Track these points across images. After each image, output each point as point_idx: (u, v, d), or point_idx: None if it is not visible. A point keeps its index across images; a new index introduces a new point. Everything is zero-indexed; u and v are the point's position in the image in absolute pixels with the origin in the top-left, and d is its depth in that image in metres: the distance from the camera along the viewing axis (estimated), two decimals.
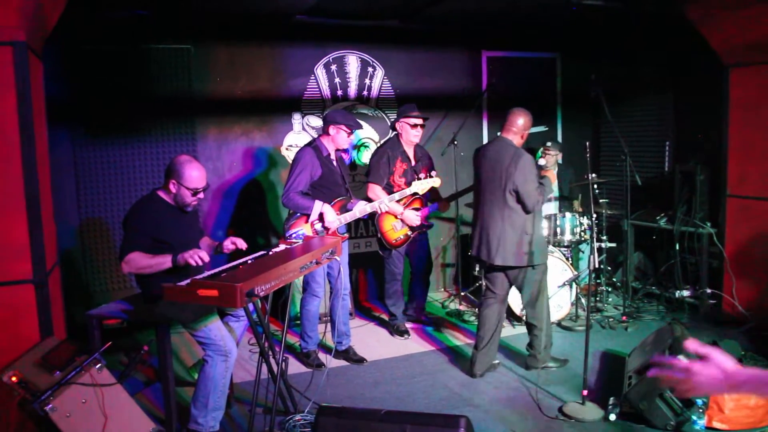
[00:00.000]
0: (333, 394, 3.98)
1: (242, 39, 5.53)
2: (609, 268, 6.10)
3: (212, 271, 3.06)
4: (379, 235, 5.01)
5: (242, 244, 3.49)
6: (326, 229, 4.34)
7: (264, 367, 3.37)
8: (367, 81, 6.09)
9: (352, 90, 6.04)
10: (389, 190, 4.86)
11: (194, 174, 3.30)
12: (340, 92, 5.99)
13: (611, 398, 3.65)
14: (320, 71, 5.88)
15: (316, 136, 5.10)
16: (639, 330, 5.07)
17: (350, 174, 6.01)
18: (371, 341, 5.07)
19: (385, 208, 4.69)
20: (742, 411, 3.35)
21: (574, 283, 5.15)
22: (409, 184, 4.78)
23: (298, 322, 4.58)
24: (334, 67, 5.93)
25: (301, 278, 4.51)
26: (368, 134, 6.15)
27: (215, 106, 5.48)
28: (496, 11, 5.59)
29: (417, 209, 5.00)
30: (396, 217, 4.93)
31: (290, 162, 4.85)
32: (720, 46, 4.94)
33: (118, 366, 4.00)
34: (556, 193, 5.88)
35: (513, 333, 5.10)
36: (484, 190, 4.14)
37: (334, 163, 4.48)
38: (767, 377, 1.38)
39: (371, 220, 5.09)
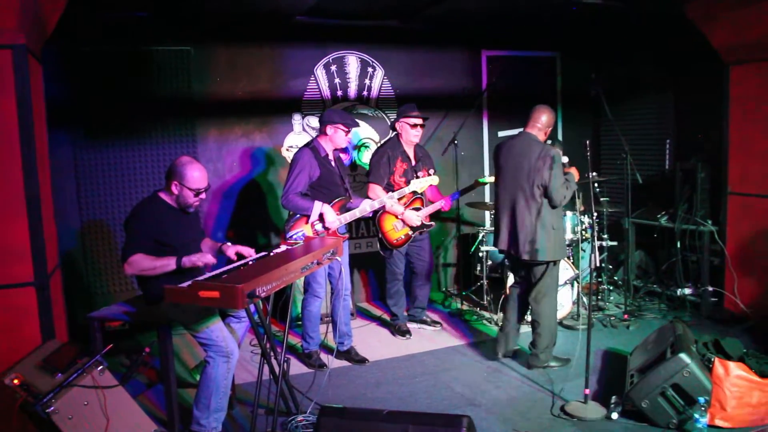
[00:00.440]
0: (335, 394, 3.98)
1: (242, 40, 5.53)
2: (610, 266, 6.10)
3: (213, 273, 3.06)
4: (380, 235, 5.02)
5: (249, 254, 3.46)
6: (326, 229, 4.34)
7: (266, 368, 3.37)
8: (367, 81, 6.09)
9: (352, 90, 6.04)
10: (390, 190, 4.86)
11: (196, 174, 3.30)
12: (340, 93, 5.99)
13: (613, 397, 3.65)
14: (320, 72, 5.88)
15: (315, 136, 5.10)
16: (641, 328, 5.06)
17: (351, 174, 6.01)
18: (373, 341, 5.06)
19: (391, 203, 4.68)
20: (745, 409, 3.35)
21: (575, 282, 5.15)
22: (409, 183, 4.78)
23: (300, 322, 4.58)
24: (334, 68, 5.93)
25: (302, 279, 4.51)
26: (368, 135, 6.15)
27: (215, 108, 5.48)
28: (496, 11, 5.59)
29: (417, 209, 5.00)
30: (397, 217, 4.94)
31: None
32: (720, 44, 4.94)
33: (119, 368, 4.00)
34: None
35: None
36: (509, 184, 4.19)
37: (333, 163, 4.48)
38: None
39: (372, 220, 5.09)
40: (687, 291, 5.43)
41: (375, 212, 4.89)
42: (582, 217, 5.50)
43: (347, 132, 4.43)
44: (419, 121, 4.91)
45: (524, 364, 4.39)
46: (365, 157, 6.02)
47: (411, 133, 4.93)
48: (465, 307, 5.79)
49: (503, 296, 5.16)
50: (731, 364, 3.40)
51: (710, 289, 5.29)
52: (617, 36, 6.42)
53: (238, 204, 5.64)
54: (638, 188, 5.55)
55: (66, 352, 3.19)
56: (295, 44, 5.75)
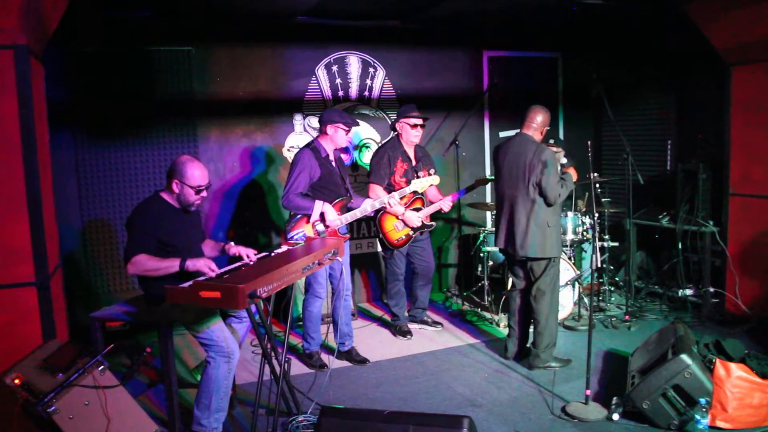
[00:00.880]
0: (336, 394, 3.98)
1: (243, 40, 5.53)
2: (611, 267, 6.10)
3: (216, 273, 3.06)
4: (380, 236, 5.02)
5: (251, 258, 3.46)
6: (326, 227, 4.33)
7: (266, 368, 3.37)
8: (369, 81, 6.09)
9: (354, 91, 6.04)
10: (390, 190, 4.86)
11: (196, 172, 3.31)
12: (341, 93, 5.99)
13: (614, 398, 3.65)
14: (321, 72, 5.88)
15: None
16: (642, 329, 5.06)
17: (352, 174, 6.01)
18: (374, 342, 5.06)
19: (392, 204, 4.68)
20: (746, 410, 3.35)
21: (576, 283, 5.15)
22: (410, 183, 4.78)
23: (301, 323, 4.58)
24: (335, 68, 5.93)
25: (303, 279, 4.51)
26: (370, 135, 6.15)
27: (216, 108, 5.48)
28: (497, 11, 5.59)
29: (418, 209, 5.00)
30: (397, 218, 4.94)
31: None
32: (721, 45, 4.94)
33: (120, 368, 4.00)
34: None
35: None
36: (506, 184, 4.29)
37: (333, 163, 4.48)
38: None
39: (373, 220, 5.09)
40: (688, 292, 5.43)
41: (376, 212, 4.89)
42: (583, 217, 5.50)
43: (347, 131, 4.42)
44: (419, 121, 4.91)
45: (525, 364, 4.39)
46: (366, 158, 6.02)
47: (411, 133, 4.93)
48: (466, 308, 5.79)
49: (504, 297, 5.16)
50: (732, 365, 3.40)
51: (711, 290, 5.29)
52: (618, 36, 6.42)
53: (239, 204, 5.65)
54: (639, 189, 5.54)
55: (67, 352, 3.19)
56: (297, 44, 5.75)
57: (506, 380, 4.21)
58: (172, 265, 3.17)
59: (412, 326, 5.30)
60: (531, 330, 4.48)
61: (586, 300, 5.43)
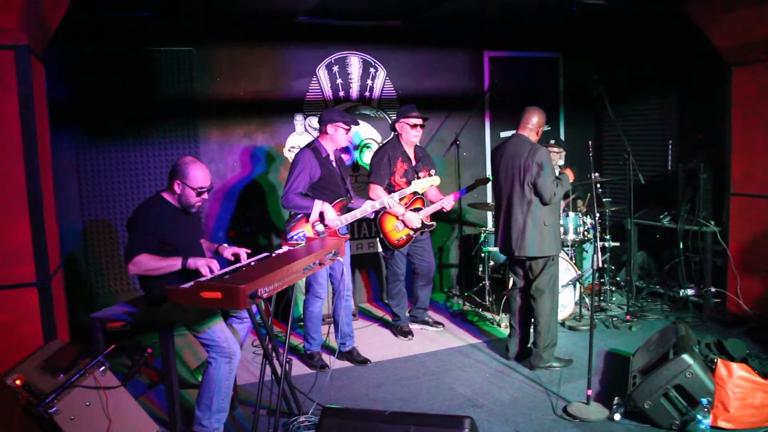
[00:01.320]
0: (337, 395, 3.98)
1: (244, 40, 5.53)
2: (612, 267, 6.09)
3: (215, 273, 3.06)
4: (381, 236, 5.01)
5: (243, 257, 3.47)
6: (326, 227, 4.33)
7: (268, 369, 3.37)
8: (369, 82, 6.08)
9: (354, 91, 6.04)
10: (390, 190, 4.86)
11: (198, 174, 3.30)
12: (342, 93, 5.99)
13: (616, 398, 3.65)
14: (322, 72, 5.88)
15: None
16: (643, 329, 5.06)
17: (353, 175, 6.01)
18: (375, 342, 5.06)
19: (392, 204, 4.68)
20: (747, 410, 3.34)
21: (577, 283, 5.15)
22: (410, 184, 4.78)
23: (302, 323, 4.58)
24: (336, 68, 5.93)
25: (304, 280, 4.50)
26: (371, 135, 6.14)
27: (217, 108, 5.48)
28: (498, 11, 5.58)
29: (418, 209, 5.00)
30: (397, 218, 4.93)
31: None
32: (722, 45, 4.93)
33: (121, 368, 4.00)
34: None
35: None
36: (504, 184, 4.32)
37: (334, 163, 4.47)
38: None
39: (373, 221, 5.09)
40: (689, 292, 5.43)
41: (376, 213, 4.89)
42: (584, 217, 5.50)
43: (348, 130, 4.42)
44: (419, 121, 4.91)
45: (527, 365, 4.39)
46: (367, 158, 6.02)
47: (411, 133, 4.92)
48: (467, 308, 5.79)
49: (505, 297, 5.16)
50: (734, 365, 3.39)
51: (713, 289, 5.29)
52: (619, 36, 6.42)
53: (239, 204, 5.65)
54: (640, 189, 5.54)
55: (68, 352, 3.19)
56: (297, 44, 5.75)
57: (507, 380, 4.20)
58: (174, 263, 3.17)
59: (413, 326, 5.29)
60: (532, 330, 4.48)
61: (587, 300, 5.42)
